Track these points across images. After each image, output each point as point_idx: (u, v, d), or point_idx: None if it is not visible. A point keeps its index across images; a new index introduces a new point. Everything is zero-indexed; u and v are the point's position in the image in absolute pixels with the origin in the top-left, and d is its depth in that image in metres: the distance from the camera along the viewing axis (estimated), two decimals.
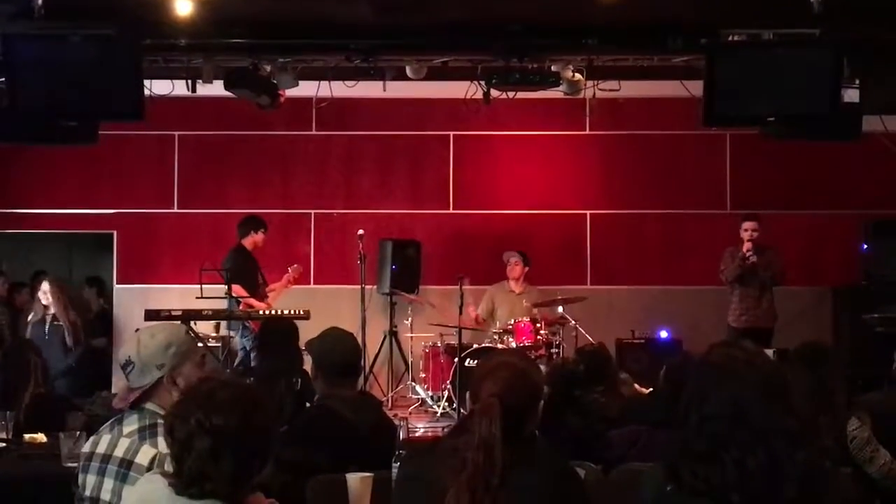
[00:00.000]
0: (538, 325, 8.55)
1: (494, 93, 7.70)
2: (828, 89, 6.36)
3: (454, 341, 8.33)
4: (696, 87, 6.88)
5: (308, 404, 5.28)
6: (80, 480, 2.97)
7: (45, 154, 9.20)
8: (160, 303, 8.40)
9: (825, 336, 9.00)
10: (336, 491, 3.30)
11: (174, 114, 8.93)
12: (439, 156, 9.92)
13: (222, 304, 8.09)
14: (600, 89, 7.96)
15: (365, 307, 8.72)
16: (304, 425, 3.95)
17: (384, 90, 8.25)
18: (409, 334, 9.13)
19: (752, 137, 7.87)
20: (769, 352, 6.32)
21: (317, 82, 7.98)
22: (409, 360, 9.20)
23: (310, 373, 4.00)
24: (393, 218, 9.88)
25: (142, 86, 6.55)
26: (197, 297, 7.93)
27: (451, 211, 9.93)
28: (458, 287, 8.24)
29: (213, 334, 8.82)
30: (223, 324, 8.64)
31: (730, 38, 6.64)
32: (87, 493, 2.92)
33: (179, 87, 7.78)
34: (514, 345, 8.24)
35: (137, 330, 3.17)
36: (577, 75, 7.68)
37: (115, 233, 9.87)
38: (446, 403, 8.31)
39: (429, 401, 8.70)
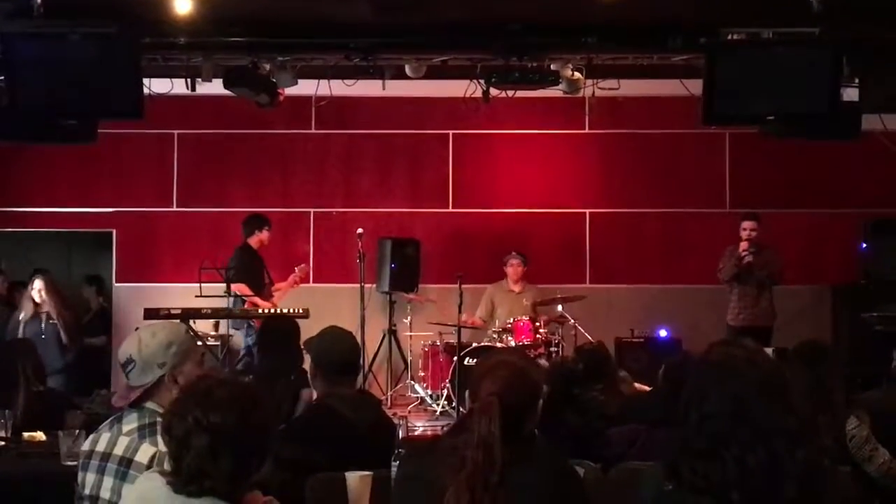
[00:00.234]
0: (537, 323, 8.56)
1: (494, 91, 7.71)
2: (827, 88, 6.36)
3: (453, 340, 8.34)
4: (695, 86, 6.88)
5: (299, 397, 5.32)
6: (80, 479, 2.97)
7: (44, 153, 9.20)
8: (159, 301, 8.39)
9: (824, 335, 9.01)
10: (335, 490, 3.30)
11: (173, 112, 8.92)
12: (439, 155, 9.91)
13: (222, 303, 8.09)
14: (600, 88, 7.97)
15: (364, 306, 8.73)
16: (304, 424, 3.95)
17: (383, 89, 8.25)
18: (409, 333, 9.13)
19: (751, 136, 7.87)
20: (768, 350, 6.32)
21: (316, 81, 7.99)
22: (409, 358, 9.20)
23: (309, 371, 4.00)
24: (392, 216, 9.88)
25: (141, 84, 6.55)
26: (196, 296, 7.94)
27: (450, 210, 9.92)
28: (457, 286, 8.24)
29: (213, 333, 8.82)
30: (225, 322, 8.64)
31: (729, 37, 6.63)
32: (87, 491, 2.92)
33: (179, 86, 7.78)
34: (513, 343, 8.25)
35: (137, 329, 3.16)
36: (577, 74, 7.68)
37: (114, 231, 9.87)
38: (445, 402, 8.31)
39: (428, 399, 8.71)
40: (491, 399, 2.51)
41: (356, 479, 3.27)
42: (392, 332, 9.32)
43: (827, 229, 9.75)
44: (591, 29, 6.94)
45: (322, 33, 7.04)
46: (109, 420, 3.05)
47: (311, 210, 9.89)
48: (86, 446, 3.03)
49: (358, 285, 8.81)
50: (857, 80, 6.71)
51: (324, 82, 7.96)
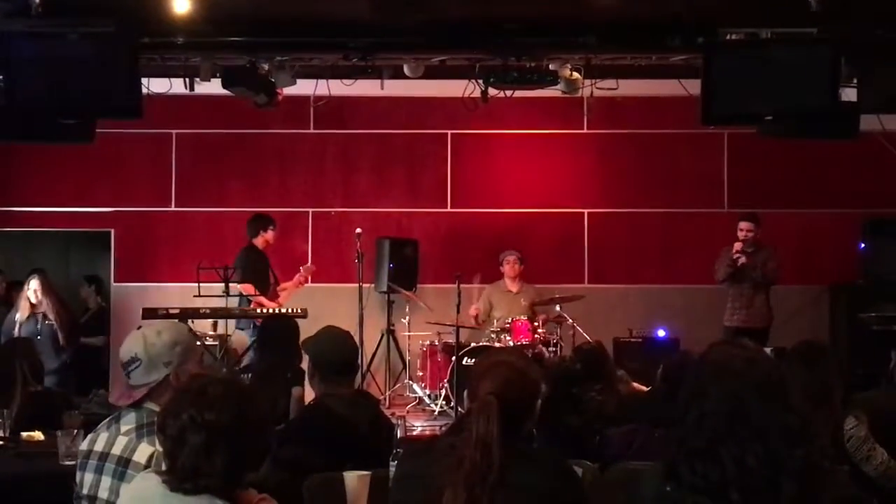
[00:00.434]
0: (536, 323, 8.56)
1: (492, 91, 7.70)
2: (826, 88, 6.35)
3: (452, 340, 8.34)
4: (693, 86, 6.88)
5: (292, 392, 5.33)
6: (78, 478, 2.97)
7: (42, 152, 9.20)
8: (157, 301, 8.40)
9: (822, 335, 9.03)
10: (333, 489, 3.30)
11: (172, 112, 8.92)
12: (437, 154, 9.91)
13: (220, 303, 8.09)
14: (598, 88, 7.97)
15: (362, 306, 8.73)
16: (302, 424, 3.96)
17: (382, 89, 8.25)
18: (407, 333, 9.12)
19: (749, 136, 7.87)
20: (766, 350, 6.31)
21: (314, 81, 7.99)
22: (407, 358, 9.20)
23: (307, 371, 4.00)
24: (391, 216, 9.87)
25: (139, 84, 6.54)
26: (194, 296, 7.93)
27: (448, 209, 9.92)
28: (455, 286, 8.24)
29: (211, 332, 8.82)
30: (222, 322, 8.62)
31: (727, 37, 6.63)
32: (85, 490, 2.92)
33: (177, 86, 7.77)
34: (511, 343, 8.24)
35: (140, 327, 3.15)
36: (575, 74, 7.68)
37: (112, 231, 9.86)
38: (444, 402, 8.31)
39: (426, 399, 8.71)
40: (489, 399, 2.51)
41: (354, 479, 3.27)
42: (390, 332, 9.31)
43: (825, 229, 9.75)
44: (590, 29, 6.93)
45: (320, 33, 7.03)
46: (107, 420, 3.05)
47: (310, 210, 9.88)
48: (84, 446, 3.03)
49: (356, 285, 8.81)
50: (855, 80, 6.71)
51: (322, 82, 7.96)
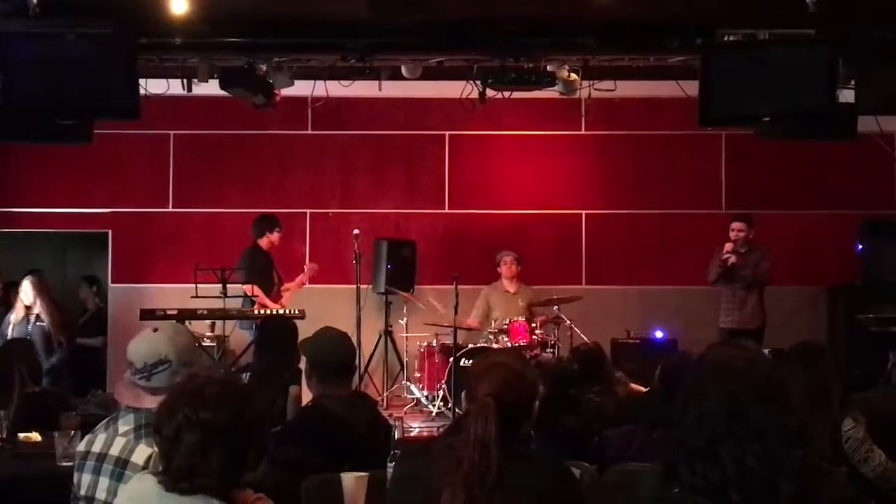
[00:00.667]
0: (533, 324, 8.56)
1: (490, 92, 7.69)
2: (823, 89, 6.36)
3: (449, 341, 8.34)
4: (691, 88, 6.87)
5: (289, 391, 5.32)
6: (76, 479, 2.96)
7: (39, 153, 9.19)
8: (155, 302, 8.38)
9: (820, 336, 9.04)
10: (331, 490, 3.30)
11: (170, 113, 8.93)
12: (435, 155, 9.91)
13: (218, 303, 8.08)
14: (596, 89, 7.96)
15: (360, 307, 8.73)
16: (299, 425, 3.95)
17: (380, 90, 8.24)
18: (404, 334, 9.12)
19: (747, 137, 7.87)
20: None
21: (312, 82, 7.98)
22: (405, 359, 9.19)
23: (304, 372, 4.00)
24: (388, 217, 9.87)
25: (137, 85, 6.52)
26: (192, 297, 7.92)
27: (446, 210, 9.93)
28: (453, 287, 8.24)
29: (209, 333, 8.81)
30: (220, 322, 8.62)
31: (725, 38, 6.63)
32: (83, 492, 2.92)
33: (175, 87, 7.76)
34: (509, 344, 8.24)
35: (156, 329, 3.05)
36: (573, 75, 7.68)
37: (109, 232, 9.86)
38: (441, 403, 8.31)
39: (424, 400, 8.70)
40: (487, 400, 2.51)
41: (352, 480, 3.27)
42: (388, 333, 9.31)
43: (823, 230, 9.76)
44: (588, 30, 6.93)
45: (318, 34, 7.02)
46: (105, 420, 3.04)
47: (308, 211, 9.88)
48: (82, 447, 3.03)
49: (354, 286, 8.81)
50: (853, 82, 6.71)
51: (320, 83, 7.95)
